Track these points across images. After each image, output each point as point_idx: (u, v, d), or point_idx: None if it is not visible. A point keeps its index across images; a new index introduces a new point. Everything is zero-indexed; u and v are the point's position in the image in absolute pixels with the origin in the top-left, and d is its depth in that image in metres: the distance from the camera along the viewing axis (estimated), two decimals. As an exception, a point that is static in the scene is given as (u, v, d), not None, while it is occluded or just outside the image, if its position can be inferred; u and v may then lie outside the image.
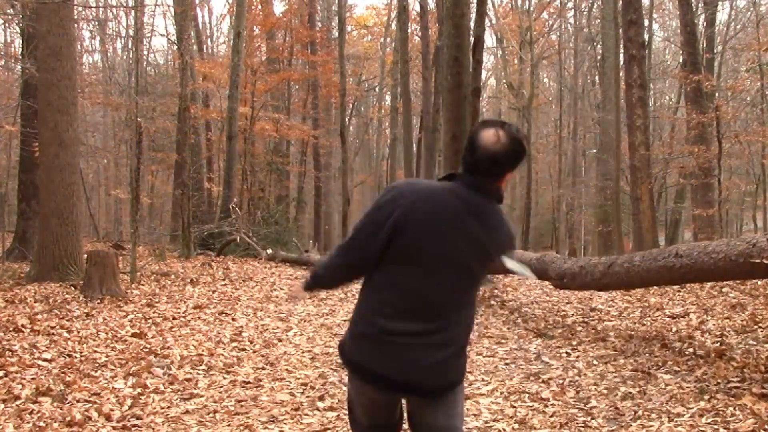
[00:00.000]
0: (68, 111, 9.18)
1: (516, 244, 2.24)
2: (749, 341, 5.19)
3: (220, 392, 4.66)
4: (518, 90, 24.67)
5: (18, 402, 4.21)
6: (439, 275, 2.06)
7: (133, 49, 19.56)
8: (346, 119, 26.28)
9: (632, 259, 5.60)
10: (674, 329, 5.98)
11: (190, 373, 5.11)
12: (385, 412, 2.30)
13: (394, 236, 2.07)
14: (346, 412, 2.46)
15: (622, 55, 14.44)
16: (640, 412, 3.74)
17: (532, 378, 4.72)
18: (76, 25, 13.67)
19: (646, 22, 18.67)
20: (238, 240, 14.62)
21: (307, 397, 4.53)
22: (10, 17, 16.22)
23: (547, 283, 8.04)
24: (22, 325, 6.17)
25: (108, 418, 4.02)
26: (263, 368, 5.34)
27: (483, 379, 4.80)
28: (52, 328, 6.26)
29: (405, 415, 2.36)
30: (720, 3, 19.70)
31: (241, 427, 3.95)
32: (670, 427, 3.47)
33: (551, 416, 3.85)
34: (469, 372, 5.04)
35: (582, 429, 3.63)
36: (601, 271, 5.92)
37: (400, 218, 2.06)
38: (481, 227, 2.08)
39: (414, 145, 23.14)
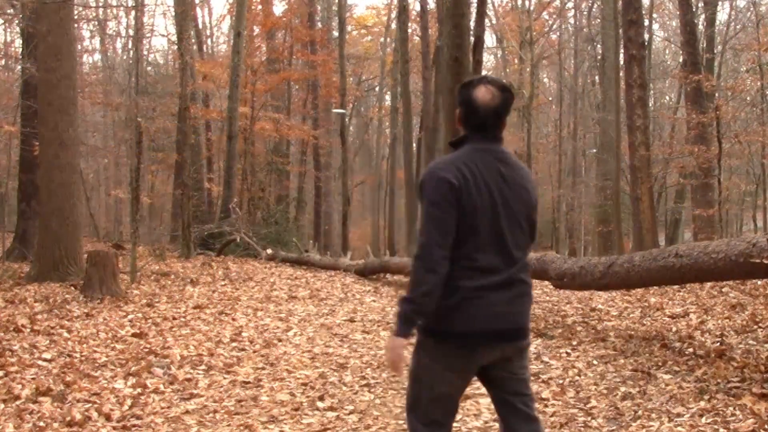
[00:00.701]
0: (68, 111, 9.18)
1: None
2: (749, 341, 5.19)
3: (220, 392, 4.66)
4: (518, 90, 24.66)
5: (18, 402, 4.21)
6: (511, 224, 2.24)
7: (133, 49, 19.58)
8: (346, 119, 26.29)
9: (632, 259, 5.60)
10: (674, 329, 5.98)
11: (190, 373, 5.11)
12: (460, 394, 2.41)
13: (463, 212, 2.20)
14: (413, 408, 2.39)
15: (622, 55, 14.44)
16: (640, 412, 3.74)
17: (532, 378, 4.72)
18: (76, 25, 13.67)
19: (646, 22, 18.68)
20: (238, 240, 14.63)
21: (307, 397, 4.53)
22: (10, 17, 16.22)
23: (547, 283, 8.05)
24: (22, 325, 6.17)
25: (108, 418, 4.02)
26: (263, 368, 5.34)
27: (483, 379, 4.80)
28: (52, 328, 6.26)
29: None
30: (720, 3, 19.72)
31: (241, 427, 3.95)
32: (670, 427, 3.47)
33: (551, 416, 3.85)
34: (469, 372, 5.04)
35: (582, 429, 3.63)
36: (601, 271, 5.92)
37: (464, 200, 2.18)
38: (510, 169, 2.26)
39: (414, 145, 23.14)
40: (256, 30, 25.11)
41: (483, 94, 2.21)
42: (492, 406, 4.12)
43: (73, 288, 8.28)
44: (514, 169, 2.26)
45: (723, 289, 7.69)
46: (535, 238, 2.35)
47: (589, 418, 3.76)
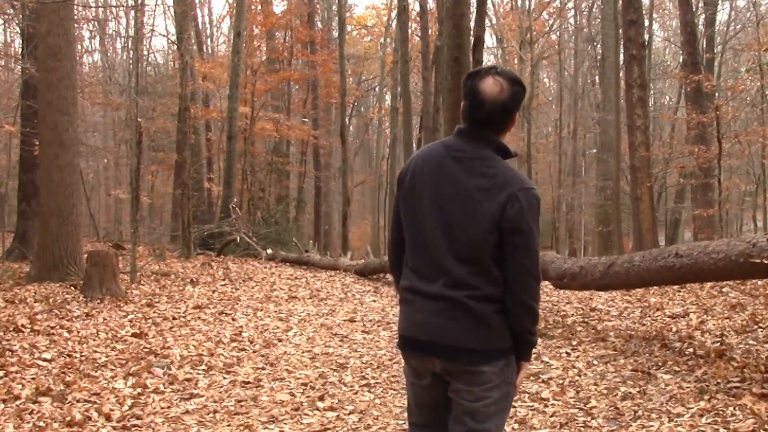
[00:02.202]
0: (68, 111, 9.18)
1: (531, 219, 1.97)
2: (749, 341, 5.19)
3: (220, 392, 4.66)
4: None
5: (18, 402, 4.21)
6: (442, 231, 2.02)
7: (133, 49, 19.56)
8: (346, 119, 26.29)
9: (632, 259, 5.60)
10: (674, 329, 5.98)
11: (190, 373, 5.11)
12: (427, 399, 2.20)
13: (403, 202, 2.13)
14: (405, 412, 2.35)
15: (622, 55, 14.44)
16: (640, 412, 3.74)
17: (532, 378, 4.72)
18: (76, 25, 13.67)
19: (646, 22, 18.67)
20: (238, 240, 14.63)
21: (307, 397, 4.53)
22: (10, 17, 16.22)
23: (547, 283, 8.05)
24: (22, 325, 6.17)
25: (108, 418, 4.02)
26: (263, 368, 5.34)
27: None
28: (52, 328, 6.26)
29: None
30: (720, 3, 19.72)
31: (241, 427, 3.95)
32: (670, 427, 3.47)
33: (551, 416, 3.85)
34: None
35: (582, 429, 3.63)
36: (601, 271, 5.92)
37: (405, 185, 2.12)
38: (464, 172, 2.01)
39: (414, 145, 23.13)
40: (256, 30, 25.10)
41: (490, 86, 1.98)
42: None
43: (73, 288, 8.28)
44: (473, 176, 1.99)
45: (723, 289, 7.69)
46: (479, 259, 1.98)
47: (589, 418, 3.76)
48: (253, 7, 23.83)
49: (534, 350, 5.36)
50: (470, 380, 2.03)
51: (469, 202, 1.97)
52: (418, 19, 23.35)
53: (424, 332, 2.05)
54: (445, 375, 2.07)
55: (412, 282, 2.09)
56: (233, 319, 7.35)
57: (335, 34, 24.81)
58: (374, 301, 8.98)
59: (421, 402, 2.19)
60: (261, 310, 8.00)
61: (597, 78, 25.69)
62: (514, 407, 4.07)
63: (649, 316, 6.78)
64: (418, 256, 2.07)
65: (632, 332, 5.99)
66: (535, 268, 1.98)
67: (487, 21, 19.89)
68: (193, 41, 22.76)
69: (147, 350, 5.68)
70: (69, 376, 4.78)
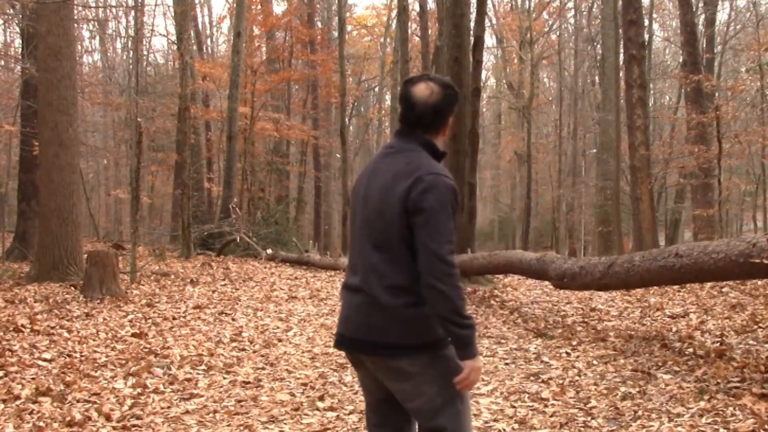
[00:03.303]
0: (68, 111, 9.18)
1: (432, 199, 1.96)
2: (749, 341, 5.19)
3: (220, 392, 4.66)
4: (518, 90, 24.67)
5: (18, 402, 4.21)
6: (365, 228, 2.08)
7: (133, 49, 19.57)
8: (346, 119, 26.29)
9: (632, 259, 5.60)
10: (674, 329, 5.98)
11: (190, 373, 5.11)
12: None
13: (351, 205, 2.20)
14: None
15: (622, 55, 14.45)
16: (640, 412, 3.74)
17: (532, 378, 4.72)
18: (76, 25, 13.67)
19: (646, 22, 18.67)
20: (238, 240, 14.63)
21: (307, 397, 4.53)
22: (10, 17, 16.22)
23: (547, 283, 8.05)
24: (22, 325, 6.17)
25: (108, 418, 4.02)
26: (263, 368, 5.34)
27: (483, 379, 4.80)
28: (52, 328, 6.26)
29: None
30: (720, 3, 19.72)
31: (241, 427, 3.95)
32: (670, 427, 3.47)
33: (551, 416, 3.85)
34: (469, 372, 5.04)
35: (582, 429, 3.63)
36: (601, 271, 5.92)
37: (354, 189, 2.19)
38: (388, 164, 2.08)
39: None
40: (256, 30, 25.11)
41: (421, 90, 2.08)
42: (491, 407, 4.13)
43: (73, 288, 8.28)
44: (393, 168, 2.05)
45: (723, 289, 7.69)
46: (392, 245, 1.99)
47: (589, 418, 3.76)
48: (253, 7, 23.83)
49: (534, 350, 5.25)
50: (396, 377, 2.02)
51: (385, 189, 2.03)
52: (418, 19, 23.35)
53: (348, 328, 2.09)
54: (376, 372, 2.07)
55: (346, 277, 2.16)
56: (233, 319, 7.35)
57: (335, 34, 24.80)
58: (374, 301, 8.96)
59: (370, 400, 2.21)
60: (261, 310, 8.00)
61: (597, 78, 25.71)
62: (514, 407, 4.07)
63: (649, 316, 6.79)
64: (351, 251, 2.14)
65: (632, 332, 5.99)
66: (439, 249, 1.94)
67: (487, 21, 19.91)
68: (193, 41, 22.76)
69: (147, 350, 5.68)
70: (69, 376, 4.78)
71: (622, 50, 13.90)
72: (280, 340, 6.39)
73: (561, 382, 4.54)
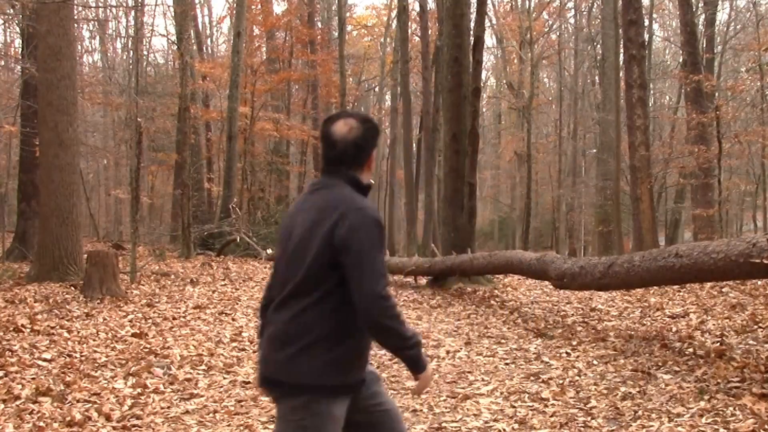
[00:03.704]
0: (68, 111, 9.18)
1: (362, 237, 1.93)
2: (749, 341, 5.19)
3: (220, 392, 4.66)
4: (518, 90, 24.67)
5: (18, 402, 4.21)
6: (288, 260, 2.06)
7: (133, 49, 19.57)
8: (346, 119, 26.24)
9: (632, 259, 5.60)
10: (674, 329, 5.98)
11: (190, 373, 5.11)
12: None
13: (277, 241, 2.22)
14: None
15: (622, 55, 14.44)
16: (640, 412, 3.74)
17: (532, 378, 4.72)
18: (76, 25, 13.67)
19: (646, 22, 18.66)
20: (238, 240, 14.62)
21: (307, 397, 4.52)
22: (10, 17, 16.22)
23: (547, 283, 8.05)
24: (22, 325, 6.17)
25: (108, 418, 4.02)
26: (263, 368, 5.34)
27: (483, 379, 4.80)
28: (52, 328, 6.26)
29: None
30: (720, 3, 19.72)
31: (241, 427, 3.95)
32: (670, 427, 3.47)
33: (551, 416, 3.85)
34: (469, 372, 5.05)
35: (582, 429, 3.63)
36: (601, 271, 5.92)
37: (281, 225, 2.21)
38: (312, 200, 2.09)
39: (414, 145, 23.14)
40: (256, 30, 25.11)
41: (341, 127, 2.07)
42: (491, 407, 4.13)
43: (73, 288, 8.28)
44: (317, 203, 2.04)
45: (723, 289, 7.69)
46: (311, 282, 1.97)
47: (589, 418, 3.75)
48: (253, 7, 23.83)
49: (534, 350, 5.21)
50: (283, 416, 2.02)
51: (308, 225, 2.02)
52: (418, 19, 23.35)
53: (261, 365, 2.09)
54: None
55: (269, 312, 2.13)
56: (233, 319, 7.35)
57: (335, 34, 24.81)
58: (374, 301, 8.96)
59: None
60: (261, 310, 7.98)
61: (597, 78, 25.69)
62: (514, 407, 4.07)
63: (649, 316, 6.79)
64: (274, 290, 2.12)
65: (632, 332, 5.99)
66: (376, 288, 1.92)
67: (487, 21, 19.91)
68: (193, 41, 22.76)
69: (147, 350, 5.68)
70: (69, 376, 4.78)
71: (622, 50, 13.89)
72: (280, 340, 6.38)
73: (561, 382, 4.54)
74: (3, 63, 19.64)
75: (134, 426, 3.96)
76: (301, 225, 2.05)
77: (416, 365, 2.05)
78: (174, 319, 7.17)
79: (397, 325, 1.96)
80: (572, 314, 7.38)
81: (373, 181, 2.19)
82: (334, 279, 1.96)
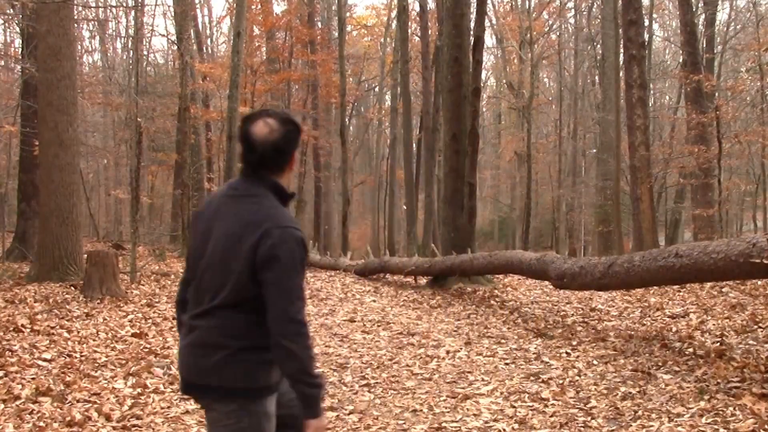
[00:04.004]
0: (68, 111, 9.18)
1: (282, 257, 1.90)
2: (749, 341, 5.19)
3: (220, 392, 4.66)
4: (518, 90, 24.67)
5: (18, 402, 4.21)
6: (208, 268, 2.03)
7: (133, 49, 19.56)
8: (346, 119, 26.29)
9: (632, 259, 5.60)
10: (674, 329, 5.98)
11: (190, 373, 5.10)
12: None
13: (191, 241, 2.16)
14: None
15: (622, 55, 14.44)
16: (640, 412, 3.74)
17: (532, 378, 4.72)
18: (76, 25, 13.67)
19: (646, 22, 18.66)
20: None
21: (307, 397, 4.52)
22: (10, 17, 16.22)
23: (547, 283, 8.05)
24: (22, 325, 6.17)
25: (108, 418, 4.02)
26: (263, 368, 5.34)
27: (483, 379, 4.80)
28: (52, 328, 6.26)
29: None
30: (720, 3, 19.71)
31: (241, 427, 3.94)
32: (670, 427, 3.47)
33: (551, 416, 3.85)
34: (469, 372, 5.05)
35: (582, 429, 3.63)
36: (601, 271, 5.92)
37: (194, 225, 2.14)
38: (233, 209, 2.02)
39: (414, 145, 23.14)
40: (256, 30, 25.09)
41: (260, 128, 1.99)
42: (491, 407, 4.13)
43: (73, 288, 8.28)
44: (240, 216, 1.99)
45: (723, 289, 7.69)
46: (234, 295, 1.95)
47: (589, 418, 3.75)
48: (253, 6, 23.82)
49: (534, 350, 5.21)
50: (217, 420, 1.99)
51: (231, 238, 1.97)
52: (418, 19, 23.35)
53: (181, 366, 2.06)
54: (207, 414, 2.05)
55: (186, 317, 2.10)
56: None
57: (335, 34, 24.81)
58: (374, 301, 8.98)
59: None
60: (261, 310, 7.99)
61: (597, 78, 25.69)
62: (514, 407, 4.07)
63: (649, 316, 6.79)
64: (191, 292, 2.09)
65: (632, 332, 5.99)
66: (289, 308, 1.90)
67: (487, 21, 19.91)
68: (193, 41, 22.75)
69: (147, 350, 5.68)
70: (69, 376, 4.78)
71: (622, 50, 13.89)
72: (280, 340, 6.38)
73: (561, 382, 4.54)
74: (3, 63, 19.64)
75: (134, 426, 3.96)
76: (224, 236, 1.99)
77: (311, 407, 1.94)
78: (174, 319, 7.16)
79: (303, 354, 1.90)
80: (572, 314, 7.38)
81: (295, 192, 2.14)
82: (261, 291, 1.94)
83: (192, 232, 2.15)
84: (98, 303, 7.57)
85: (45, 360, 5.22)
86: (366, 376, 5.07)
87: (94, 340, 5.96)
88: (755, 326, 5.67)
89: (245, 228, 1.95)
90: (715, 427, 3.40)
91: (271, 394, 2.01)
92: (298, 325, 1.91)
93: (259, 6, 24.48)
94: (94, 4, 16.64)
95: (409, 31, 22.62)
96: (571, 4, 27.41)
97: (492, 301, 8.68)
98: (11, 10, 14.28)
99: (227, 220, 2.01)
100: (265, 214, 1.96)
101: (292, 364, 1.91)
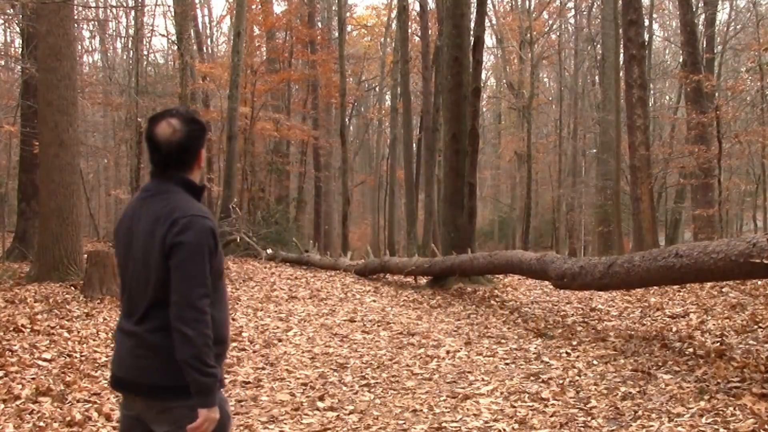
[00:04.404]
0: (68, 111, 9.18)
1: (188, 243, 1.94)
2: (749, 341, 5.19)
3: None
4: (518, 90, 24.67)
5: (18, 402, 4.21)
6: (133, 270, 2.07)
7: (133, 49, 19.57)
8: (346, 119, 26.29)
9: (632, 259, 5.60)
10: (674, 329, 5.98)
11: (190, 373, 5.10)
12: None
13: (116, 245, 2.20)
14: None
15: (622, 55, 14.44)
16: (640, 412, 3.74)
17: (532, 378, 4.72)
18: (76, 25, 13.67)
19: (646, 22, 18.66)
20: (238, 240, 14.63)
21: (307, 397, 4.53)
22: (10, 17, 16.22)
23: (547, 283, 8.05)
24: (22, 325, 6.17)
25: (108, 418, 4.02)
26: (263, 368, 5.34)
27: (483, 379, 4.80)
28: (52, 328, 6.26)
29: None
30: (720, 3, 19.72)
31: (241, 427, 3.95)
32: (670, 427, 3.47)
33: (551, 416, 3.85)
34: (469, 372, 5.05)
35: (582, 429, 3.63)
36: (601, 271, 5.92)
37: (117, 229, 2.19)
38: (146, 209, 2.06)
39: (414, 145, 23.14)
40: (256, 30, 25.10)
41: (163, 129, 2.04)
42: (491, 407, 4.13)
43: (73, 288, 8.28)
44: (152, 212, 2.03)
45: (723, 289, 7.69)
46: (159, 289, 1.98)
47: (589, 418, 3.76)
48: (253, 6, 23.82)
49: (534, 350, 5.22)
50: (163, 419, 2.01)
51: (147, 237, 2.02)
52: (418, 19, 23.35)
53: (120, 369, 2.08)
54: (146, 415, 2.05)
55: (119, 320, 2.15)
56: (233, 319, 7.35)
57: (335, 34, 24.81)
58: (374, 301, 8.98)
59: None
60: (261, 310, 7.99)
61: (597, 78, 25.69)
62: (514, 407, 4.07)
63: (649, 316, 6.79)
64: (122, 294, 2.14)
65: (632, 332, 5.99)
66: (189, 294, 1.93)
67: (487, 21, 19.90)
68: (193, 41, 22.76)
69: (147, 350, 5.67)
70: (69, 376, 4.78)
71: (622, 50, 13.89)
72: (280, 340, 6.39)
73: (561, 382, 4.54)
74: (3, 63, 19.64)
75: (134, 426, 3.96)
76: (142, 236, 2.03)
77: (203, 396, 1.94)
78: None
79: (198, 341, 1.92)
80: (572, 314, 7.38)
81: (206, 184, 2.18)
82: None
83: (115, 242, 2.18)
84: (98, 303, 7.57)
85: (45, 360, 5.22)
86: (366, 376, 5.07)
87: (94, 340, 5.96)
88: (755, 326, 5.67)
89: (156, 223, 2.00)
90: (715, 427, 3.40)
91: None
92: (197, 311, 1.93)
93: (259, 6, 24.48)
94: (94, 4, 16.65)
95: (409, 31, 22.63)
96: (571, 4, 27.42)
97: (492, 301, 8.68)
98: (11, 10, 14.27)
99: (143, 220, 2.05)
100: (173, 206, 2.01)
101: (186, 350, 1.92)
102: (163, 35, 51.49)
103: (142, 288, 2.03)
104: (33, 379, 4.72)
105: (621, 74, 14.88)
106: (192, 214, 1.99)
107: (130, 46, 22.53)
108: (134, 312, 2.05)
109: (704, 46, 17.39)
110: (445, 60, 11.22)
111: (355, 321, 7.44)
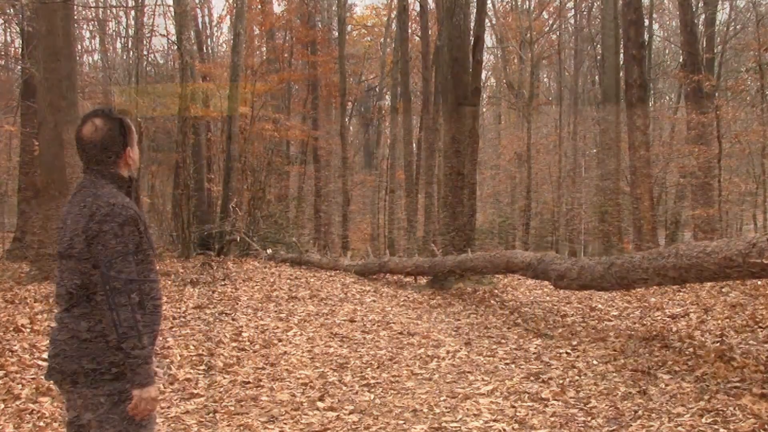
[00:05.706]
0: (68, 111, 9.18)
1: (108, 228, 2.06)
2: (749, 341, 5.19)
3: (220, 392, 4.66)
4: (518, 90, 24.66)
5: (18, 402, 4.21)
6: (63, 261, 2.17)
7: (133, 49, 19.57)
8: (346, 119, 26.30)
9: (632, 259, 5.60)
10: (674, 329, 5.98)
11: (190, 373, 5.11)
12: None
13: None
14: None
15: (622, 55, 14.44)
16: (640, 412, 3.74)
17: (532, 378, 4.72)
18: (76, 25, 13.67)
19: (646, 22, 18.67)
20: (238, 240, 14.62)
21: (307, 397, 4.53)
22: (10, 17, 16.23)
23: (547, 283, 8.05)
24: (22, 325, 6.17)
25: (108, 418, 4.01)
26: (263, 368, 5.34)
27: (483, 379, 4.80)
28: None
29: None
30: (720, 3, 19.71)
31: (241, 427, 3.95)
32: (670, 427, 3.46)
33: (551, 416, 3.85)
34: (469, 372, 5.05)
35: (582, 429, 3.63)
36: (601, 271, 5.92)
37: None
38: (76, 201, 2.16)
39: (414, 145, 23.14)
40: (256, 30, 25.11)
41: (87, 130, 2.17)
42: (491, 407, 4.13)
43: (73, 288, 8.27)
44: (73, 205, 2.16)
45: (723, 289, 7.69)
46: (84, 276, 2.09)
47: (589, 418, 3.75)
48: (253, 6, 23.82)
49: (534, 350, 5.22)
50: (86, 405, 2.07)
51: (72, 225, 2.12)
52: (418, 19, 23.35)
53: (49, 356, 2.16)
54: (77, 401, 2.10)
55: (57, 314, 2.23)
56: (233, 319, 7.34)
57: (335, 34, 24.82)
58: (374, 301, 8.98)
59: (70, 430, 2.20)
60: (261, 310, 7.99)
61: (597, 78, 25.69)
62: (514, 407, 4.07)
63: (649, 316, 6.79)
64: (57, 290, 2.23)
65: (632, 332, 5.99)
66: (111, 273, 2.02)
67: (487, 21, 19.91)
68: (193, 41, 22.74)
69: (147, 350, 5.67)
70: (69, 376, 4.77)
71: (622, 50, 13.89)
72: (280, 340, 6.39)
73: (561, 382, 4.54)
74: (3, 63, 19.65)
75: (134, 426, 3.96)
76: (69, 228, 2.13)
77: (134, 375, 2.03)
78: (174, 318, 7.17)
79: (125, 323, 2.01)
80: (572, 314, 7.38)
81: (134, 174, 2.30)
82: None
83: (57, 237, 2.26)
84: (98, 303, 7.56)
85: (45, 360, 5.21)
86: (366, 376, 5.07)
87: (94, 340, 5.95)
88: (755, 326, 5.67)
89: (80, 213, 2.11)
90: (715, 427, 3.40)
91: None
92: (119, 294, 2.02)
93: (259, 6, 24.49)
94: (94, 4, 16.65)
95: (409, 31, 22.63)
96: (571, 4, 27.40)
97: (492, 301, 8.68)
98: (11, 10, 14.28)
99: (72, 213, 2.16)
100: (94, 198, 2.12)
101: (113, 330, 2.02)
102: (163, 35, 51.47)
103: (68, 277, 2.12)
104: (33, 379, 4.72)
105: (621, 74, 14.88)
106: (112, 203, 2.09)
107: (130, 46, 22.55)
108: (62, 301, 2.15)
109: (704, 46, 17.38)
110: (445, 60, 11.23)
111: (355, 321, 7.44)
